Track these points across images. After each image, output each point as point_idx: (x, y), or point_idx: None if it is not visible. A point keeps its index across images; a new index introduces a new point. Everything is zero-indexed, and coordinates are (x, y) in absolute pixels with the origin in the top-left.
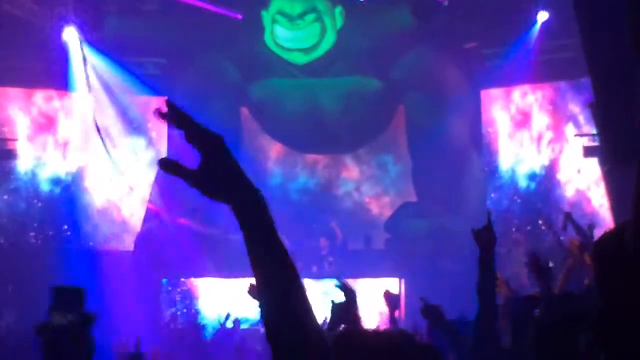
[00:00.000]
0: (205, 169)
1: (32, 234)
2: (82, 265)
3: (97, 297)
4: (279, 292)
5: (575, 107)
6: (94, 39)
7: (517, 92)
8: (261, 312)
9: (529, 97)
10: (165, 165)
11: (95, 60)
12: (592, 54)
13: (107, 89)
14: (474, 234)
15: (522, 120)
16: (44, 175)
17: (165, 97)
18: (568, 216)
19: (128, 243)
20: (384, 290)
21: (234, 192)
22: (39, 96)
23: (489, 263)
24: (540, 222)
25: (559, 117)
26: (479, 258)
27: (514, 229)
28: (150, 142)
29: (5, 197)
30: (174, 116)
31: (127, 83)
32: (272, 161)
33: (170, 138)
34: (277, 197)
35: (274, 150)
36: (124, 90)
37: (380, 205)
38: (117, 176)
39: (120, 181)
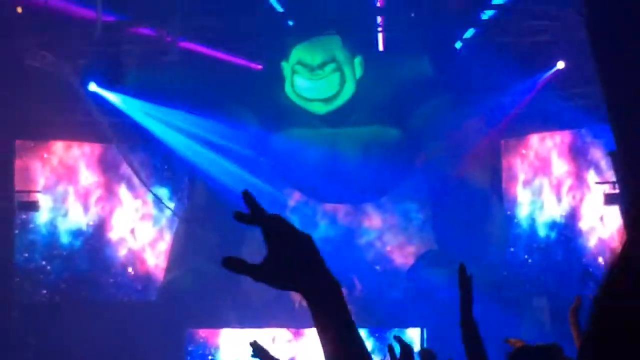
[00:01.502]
0: (276, 261)
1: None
2: (104, 320)
3: (122, 350)
4: None
5: (596, 153)
6: (115, 90)
7: (535, 137)
8: None
9: (547, 142)
10: (230, 264)
11: (117, 110)
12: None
13: (131, 139)
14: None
15: (541, 166)
16: (64, 227)
17: (244, 190)
18: (587, 272)
19: (152, 294)
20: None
21: (310, 285)
22: (59, 145)
23: (465, 316)
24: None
25: (580, 163)
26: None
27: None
28: (174, 193)
29: (26, 255)
30: (253, 211)
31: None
32: (289, 210)
33: (191, 192)
34: None
35: (292, 199)
36: (146, 140)
37: (403, 255)
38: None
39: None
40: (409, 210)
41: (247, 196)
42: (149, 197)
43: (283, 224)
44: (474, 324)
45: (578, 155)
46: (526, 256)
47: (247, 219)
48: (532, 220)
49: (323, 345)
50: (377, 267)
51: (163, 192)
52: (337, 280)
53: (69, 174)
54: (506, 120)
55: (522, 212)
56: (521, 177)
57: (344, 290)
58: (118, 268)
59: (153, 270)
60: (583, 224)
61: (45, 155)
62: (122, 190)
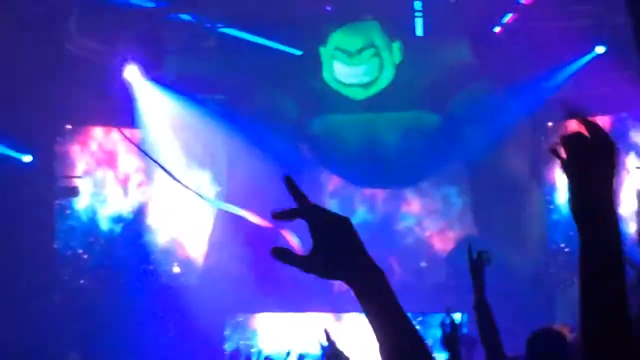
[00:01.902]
0: (322, 251)
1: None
2: (146, 304)
3: (161, 336)
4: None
5: (637, 136)
6: (155, 77)
7: (574, 122)
8: None
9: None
10: (278, 254)
11: (157, 96)
12: None
13: (169, 124)
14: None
15: None
16: (104, 213)
17: (287, 175)
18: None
19: (192, 280)
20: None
21: (355, 272)
22: (98, 130)
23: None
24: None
25: (620, 147)
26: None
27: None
28: (215, 178)
29: (65, 241)
30: (296, 197)
31: (190, 118)
32: (328, 195)
33: (230, 176)
34: None
35: (330, 184)
36: (186, 126)
37: (443, 241)
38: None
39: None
40: (448, 195)
41: (289, 182)
42: (191, 183)
43: (323, 211)
44: (487, 307)
45: (618, 139)
46: (563, 245)
47: (287, 215)
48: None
49: (375, 333)
50: (417, 253)
51: (204, 178)
52: (377, 265)
53: (108, 158)
54: (546, 104)
55: (561, 198)
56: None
57: None
58: (158, 254)
59: (193, 255)
60: (623, 209)
61: (85, 141)
62: (162, 175)
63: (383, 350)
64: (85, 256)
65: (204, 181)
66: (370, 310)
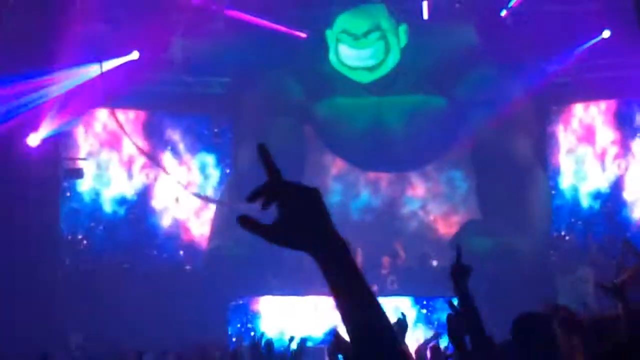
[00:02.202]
0: (286, 221)
1: (93, 257)
2: (147, 287)
3: (165, 317)
4: (366, 330)
5: None
6: (162, 60)
7: (579, 106)
8: (354, 346)
9: (592, 110)
10: (243, 222)
11: (162, 78)
12: None
13: (174, 106)
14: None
15: (585, 134)
16: (107, 196)
17: (260, 144)
18: (627, 243)
19: (196, 263)
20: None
21: (318, 243)
22: (103, 112)
23: (463, 297)
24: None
25: (625, 131)
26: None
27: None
28: (220, 160)
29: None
30: (267, 165)
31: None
32: (332, 178)
33: (235, 157)
34: (336, 217)
35: (335, 166)
36: (190, 108)
37: (448, 225)
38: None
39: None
40: (453, 179)
41: (263, 151)
42: (195, 164)
43: (291, 186)
44: (470, 299)
45: (624, 124)
46: (564, 232)
47: (258, 196)
48: (575, 191)
49: (338, 306)
50: (421, 237)
51: (210, 159)
52: (344, 239)
53: (112, 140)
54: (551, 89)
55: (565, 182)
56: (564, 145)
57: (388, 259)
58: (162, 237)
59: (198, 239)
60: (628, 195)
61: (89, 122)
62: (167, 158)
63: (347, 324)
64: (85, 241)
65: (209, 163)
66: (334, 282)
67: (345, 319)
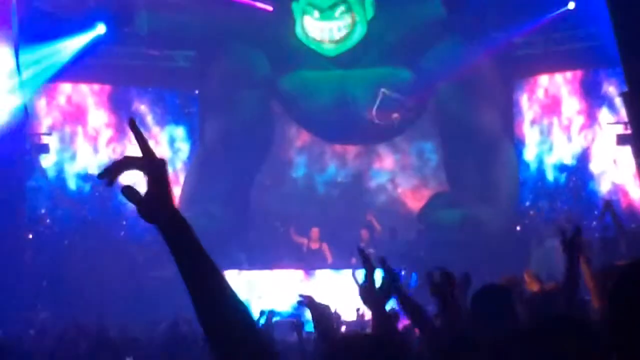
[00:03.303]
0: (148, 196)
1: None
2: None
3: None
4: (211, 300)
5: (610, 89)
6: (125, 33)
7: (545, 76)
8: (198, 315)
9: (557, 79)
10: (126, 191)
11: (127, 52)
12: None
13: (141, 80)
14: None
15: (551, 104)
16: (72, 171)
17: (131, 117)
18: (608, 205)
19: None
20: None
21: (165, 213)
22: (67, 86)
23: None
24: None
25: (592, 101)
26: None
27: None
28: (190, 133)
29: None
30: (135, 133)
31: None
32: (297, 151)
33: (202, 131)
34: (302, 191)
35: (299, 139)
36: (156, 82)
37: (417, 199)
38: None
39: None
40: (423, 150)
41: (132, 125)
42: (164, 137)
43: (137, 158)
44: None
45: (590, 93)
46: (529, 204)
47: (111, 173)
48: (540, 163)
49: (188, 287)
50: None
51: (179, 132)
52: (181, 215)
53: (77, 113)
54: (517, 60)
55: (530, 154)
56: (528, 116)
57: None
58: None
59: None
60: (594, 167)
61: (53, 95)
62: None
63: (197, 304)
64: (48, 219)
65: (179, 135)
66: (181, 261)
67: (194, 301)
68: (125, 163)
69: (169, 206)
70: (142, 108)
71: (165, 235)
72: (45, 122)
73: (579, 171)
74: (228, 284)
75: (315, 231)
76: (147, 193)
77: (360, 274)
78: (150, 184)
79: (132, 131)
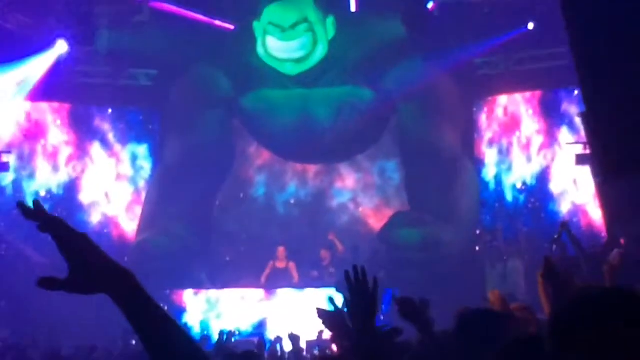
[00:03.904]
0: (78, 270)
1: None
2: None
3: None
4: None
5: (570, 109)
6: (86, 52)
7: (504, 96)
8: None
9: (516, 98)
10: (44, 284)
11: (88, 71)
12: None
13: (103, 98)
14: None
15: (510, 123)
16: (30, 190)
17: (35, 199)
18: (564, 225)
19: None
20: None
21: (110, 282)
22: (27, 103)
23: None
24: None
25: (552, 120)
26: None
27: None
28: (152, 151)
29: None
30: (40, 218)
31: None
32: (256, 169)
33: (162, 150)
34: (261, 210)
35: (260, 157)
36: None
37: (380, 219)
38: None
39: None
40: (385, 169)
41: (22, 207)
42: (125, 155)
43: (64, 227)
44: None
45: (550, 112)
46: (489, 225)
47: (31, 215)
48: (499, 183)
49: (141, 337)
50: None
51: (141, 150)
52: (126, 270)
53: (36, 131)
54: (478, 80)
55: (489, 173)
56: (487, 135)
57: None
58: (91, 235)
59: (130, 235)
60: (554, 187)
61: (12, 112)
62: (95, 149)
63: (151, 353)
64: (11, 234)
65: (141, 153)
66: (132, 314)
67: (150, 351)
68: (52, 224)
69: (111, 271)
70: (105, 126)
71: (119, 302)
72: (3, 139)
73: (538, 192)
74: (179, 328)
75: (281, 250)
76: (72, 271)
77: (338, 298)
78: (76, 259)
79: (24, 214)
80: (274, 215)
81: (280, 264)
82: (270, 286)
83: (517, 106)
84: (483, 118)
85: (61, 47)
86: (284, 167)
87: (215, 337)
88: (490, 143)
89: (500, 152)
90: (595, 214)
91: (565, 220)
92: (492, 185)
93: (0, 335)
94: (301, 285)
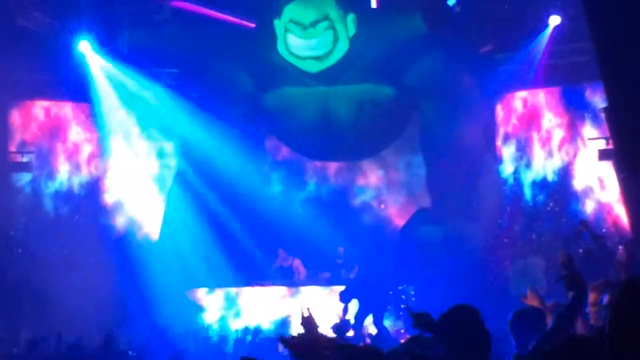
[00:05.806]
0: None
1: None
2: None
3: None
4: None
5: (594, 100)
6: (109, 51)
7: (525, 92)
8: None
9: (538, 94)
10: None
11: (111, 70)
12: (605, 57)
13: (123, 97)
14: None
15: (529, 118)
16: (50, 190)
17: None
18: (584, 224)
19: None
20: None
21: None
22: (45, 103)
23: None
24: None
25: (574, 115)
26: None
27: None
28: (176, 148)
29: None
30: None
31: (144, 91)
32: (275, 165)
33: (181, 148)
34: (278, 209)
35: (278, 154)
36: (139, 99)
37: (405, 217)
38: None
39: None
40: (411, 165)
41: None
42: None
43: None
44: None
45: (571, 107)
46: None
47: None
48: (517, 180)
49: None
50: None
51: (168, 146)
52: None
53: (56, 130)
54: (499, 77)
55: (506, 170)
56: (501, 131)
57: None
58: (115, 235)
59: (154, 236)
60: (577, 184)
61: (32, 113)
62: (118, 144)
63: None
64: (29, 236)
65: (168, 150)
66: None
67: None
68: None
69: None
70: (123, 126)
71: None
72: (22, 139)
73: (559, 191)
74: None
75: (281, 251)
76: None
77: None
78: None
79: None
80: (291, 215)
81: (286, 263)
82: (290, 282)
83: (536, 98)
84: (499, 112)
85: (85, 46)
86: (303, 164)
87: (234, 335)
88: (506, 138)
89: (518, 147)
90: (621, 212)
91: (584, 220)
92: (509, 183)
93: (24, 336)
94: (324, 282)
